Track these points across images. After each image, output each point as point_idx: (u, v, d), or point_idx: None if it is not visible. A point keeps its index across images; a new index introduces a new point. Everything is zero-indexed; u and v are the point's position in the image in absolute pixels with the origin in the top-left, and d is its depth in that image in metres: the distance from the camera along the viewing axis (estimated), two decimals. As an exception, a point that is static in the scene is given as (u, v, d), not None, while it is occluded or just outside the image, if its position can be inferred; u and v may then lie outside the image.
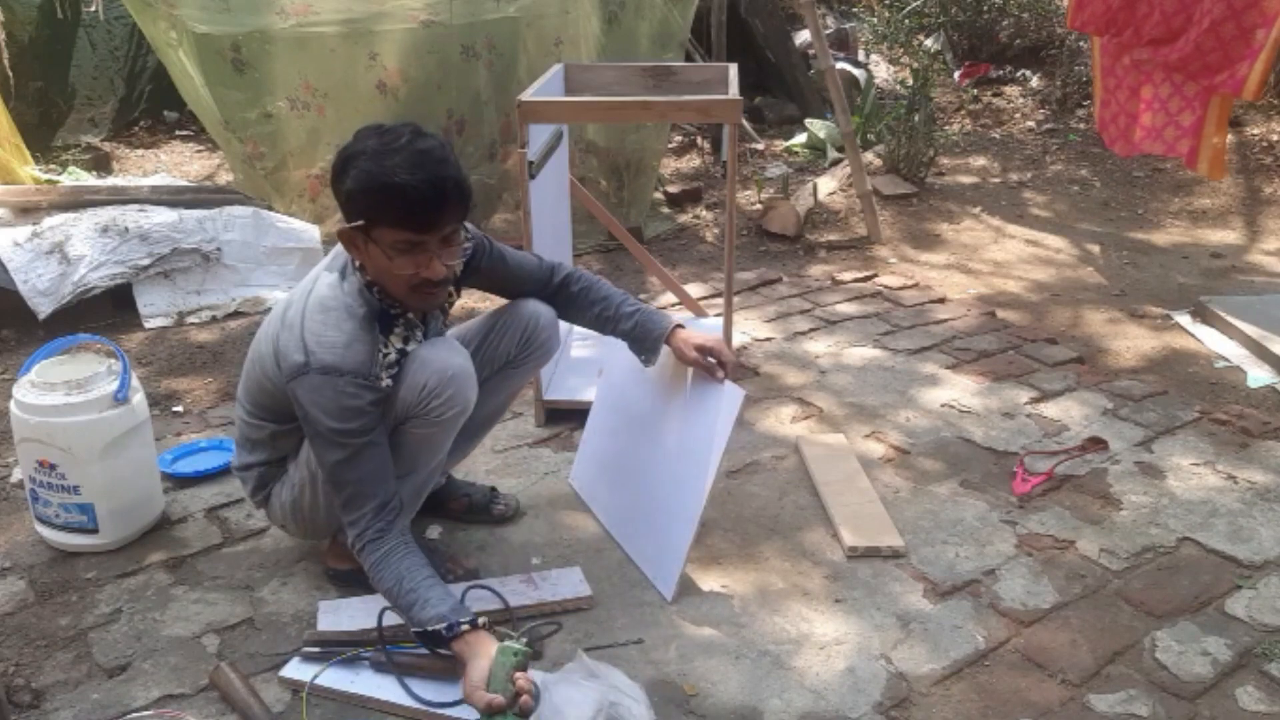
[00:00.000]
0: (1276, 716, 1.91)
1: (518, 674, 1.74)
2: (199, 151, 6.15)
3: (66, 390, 2.30)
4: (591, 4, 4.53)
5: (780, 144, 6.20)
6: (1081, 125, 6.44)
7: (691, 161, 5.90)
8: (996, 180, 5.74)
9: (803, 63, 6.85)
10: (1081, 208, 5.34)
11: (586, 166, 4.67)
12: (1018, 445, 2.89)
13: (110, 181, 4.74)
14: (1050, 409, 3.11)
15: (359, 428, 1.93)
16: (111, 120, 6.29)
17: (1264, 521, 2.51)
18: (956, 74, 7.29)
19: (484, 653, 1.79)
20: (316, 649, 2.01)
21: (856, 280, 4.26)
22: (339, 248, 2.08)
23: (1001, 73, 7.36)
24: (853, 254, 4.64)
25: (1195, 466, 2.77)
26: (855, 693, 1.97)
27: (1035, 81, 7.14)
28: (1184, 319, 3.83)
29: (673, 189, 5.27)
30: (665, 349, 2.31)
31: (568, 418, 3.00)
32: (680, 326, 2.31)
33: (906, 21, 7.54)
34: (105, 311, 3.77)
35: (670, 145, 5.92)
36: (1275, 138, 5.75)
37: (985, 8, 7.37)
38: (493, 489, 2.57)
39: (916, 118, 5.37)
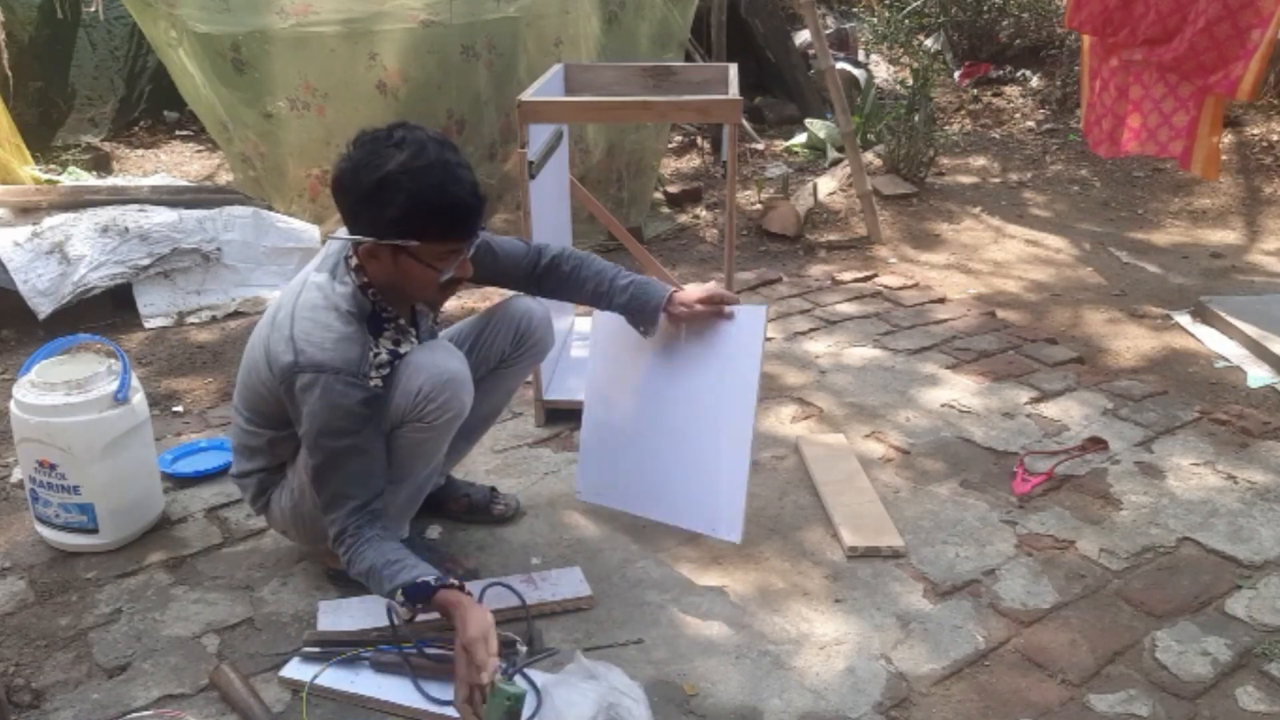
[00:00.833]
0: (1276, 716, 1.91)
1: None
2: (199, 151, 6.15)
3: (66, 390, 2.30)
4: (591, 4, 4.53)
5: (780, 144, 6.20)
6: (1081, 125, 6.44)
7: (691, 161, 5.90)
8: (996, 180, 5.74)
9: (803, 63, 6.85)
10: (1081, 208, 5.34)
11: (586, 165, 4.66)
12: (1018, 445, 2.89)
13: (110, 181, 4.74)
14: (1050, 409, 3.11)
15: (346, 427, 1.93)
16: (111, 120, 6.29)
17: (1264, 521, 2.51)
18: (956, 74, 7.29)
19: (476, 611, 1.80)
20: (317, 649, 2.01)
21: (856, 280, 4.26)
22: (327, 248, 2.09)
23: (1001, 73, 7.36)
24: (853, 254, 4.64)
25: (1195, 466, 2.77)
26: (855, 693, 1.97)
27: (1035, 81, 7.14)
28: (1184, 319, 3.83)
29: (673, 189, 5.27)
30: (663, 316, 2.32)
31: (568, 418, 3.00)
32: (677, 289, 2.33)
33: (906, 21, 7.54)
34: (105, 311, 3.77)
35: (670, 145, 5.92)
36: (1275, 138, 5.75)
37: (985, 8, 7.37)
38: (493, 489, 2.57)
39: (916, 118, 5.37)
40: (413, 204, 1.87)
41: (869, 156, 5.58)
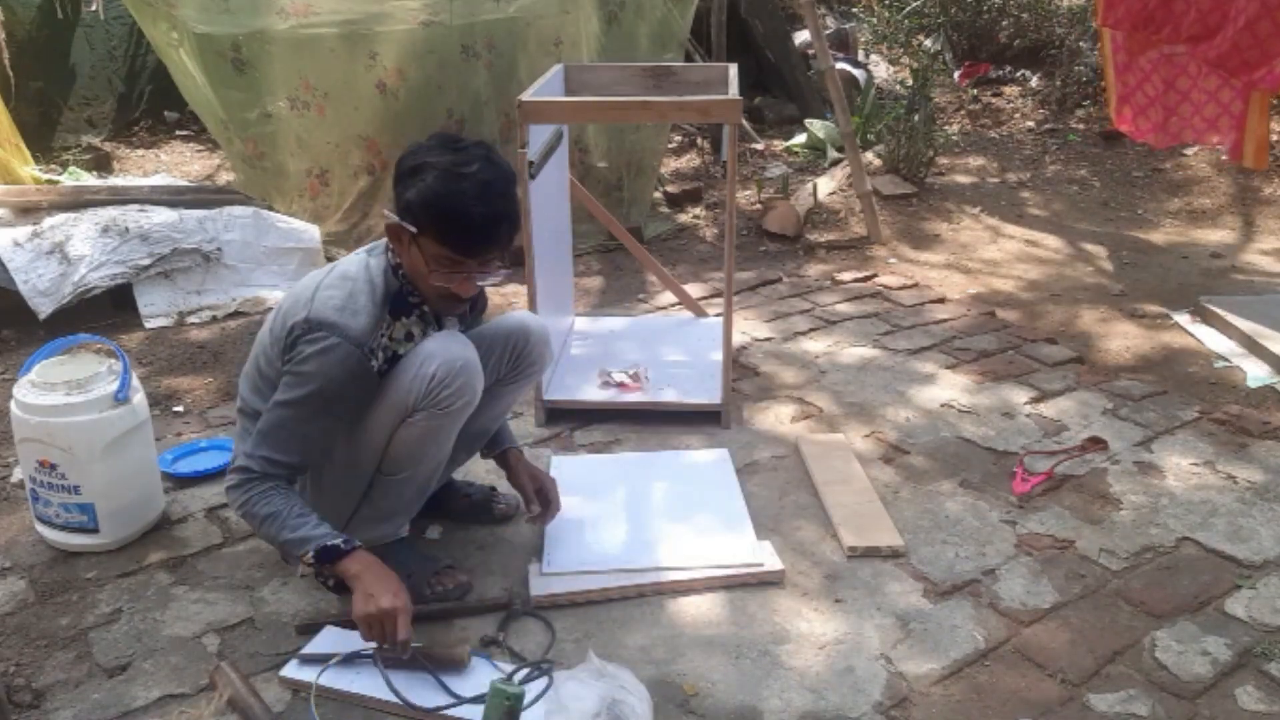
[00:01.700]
0: (1276, 716, 1.91)
1: None
2: (199, 151, 6.15)
3: (67, 390, 2.30)
4: (591, 4, 4.53)
5: (780, 144, 6.20)
6: (1080, 125, 6.45)
7: (691, 161, 5.90)
8: (995, 180, 5.74)
9: (803, 63, 6.85)
10: (1080, 208, 5.34)
11: (586, 165, 4.67)
12: (1017, 445, 2.89)
13: (110, 181, 4.75)
14: (1050, 409, 3.11)
15: (318, 392, 1.95)
16: (111, 120, 6.29)
17: (1264, 521, 2.52)
18: (956, 74, 7.29)
19: (379, 585, 1.90)
20: (317, 652, 2.01)
21: (856, 280, 4.26)
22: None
23: (1001, 73, 7.36)
24: (852, 254, 4.64)
25: (1195, 466, 2.78)
26: (855, 692, 1.97)
27: (1035, 82, 7.15)
28: (1183, 319, 3.83)
29: (673, 189, 5.27)
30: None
31: (568, 418, 3.01)
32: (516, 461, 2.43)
33: (906, 21, 7.55)
34: (105, 311, 3.77)
35: (670, 145, 5.92)
36: (1275, 138, 5.75)
37: (985, 8, 7.36)
38: (493, 489, 2.57)
39: (916, 118, 5.37)
40: (427, 195, 1.93)
41: (868, 156, 5.59)
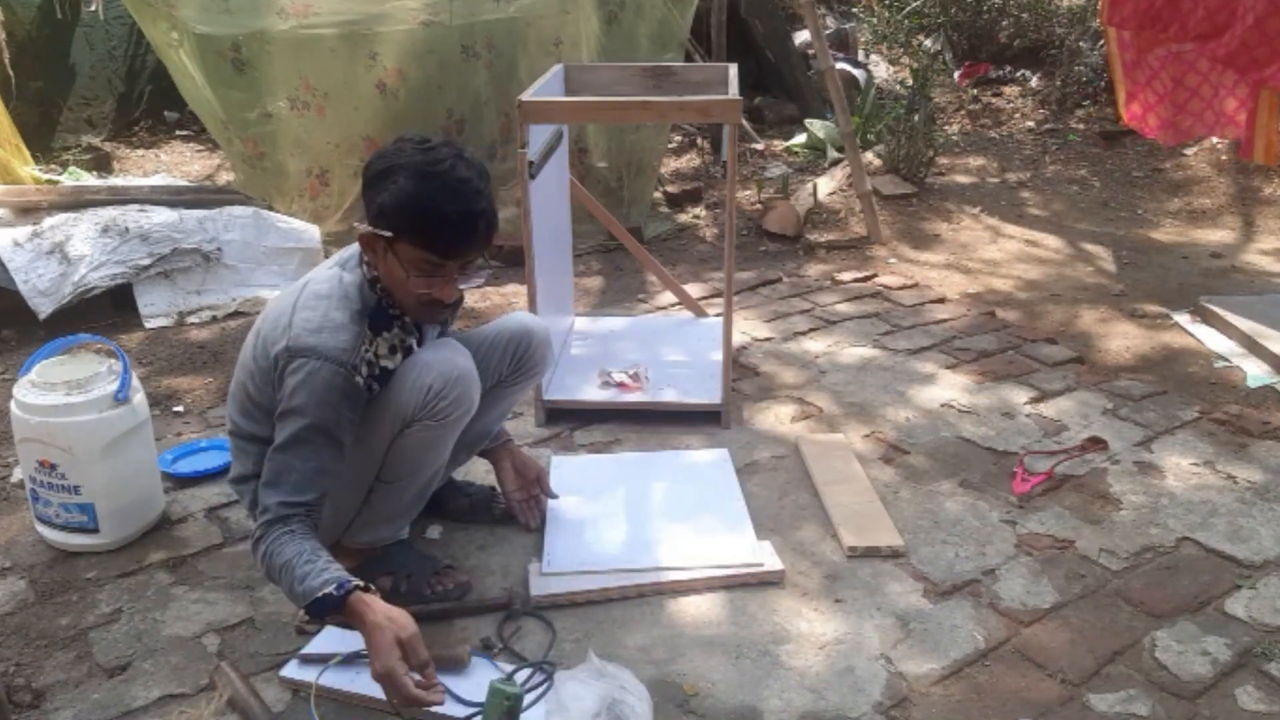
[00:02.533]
0: (1276, 716, 1.91)
1: None
2: (199, 151, 6.15)
3: (67, 390, 2.30)
4: (591, 4, 4.53)
5: (780, 144, 6.20)
6: (1080, 125, 6.44)
7: (691, 161, 5.90)
8: (996, 180, 5.74)
9: (803, 63, 6.85)
10: (1080, 208, 5.34)
11: (586, 165, 4.67)
12: (1017, 445, 2.89)
13: (110, 181, 4.74)
14: (1049, 409, 3.11)
15: (315, 421, 1.89)
16: (111, 120, 6.29)
17: (1264, 521, 2.52)
18: (956, 74, 7.29)
19: (382, 619, 1.74)
20: (317, 652, 2.01)
21: (856, 280, 4.26)
22: (344, 250, 2.09)
23: (1001, 73, 7.36)
24: (852, 254, 4.64)
25: (1195, 466, 2.78)
26: (855, 692, 1.97)
27: (1035, 82, 7.14)
28: (1183, 318, 3.83)
29: (673, 189, 5.27)
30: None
31: (568, 417, 3.01)
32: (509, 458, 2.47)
33: (906, 21, 7.55)
34: (105, 311, 3.77)
35: (670, 145, 5.92)
36: (1274, 137, 5.75)
37: (985, 8, 7.36)
38: (493, 489, 2.56)
39: (916, 118, 5.37)
40: (400, 197, 1.87)
41: (868, 156, 5.58)
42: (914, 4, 7.50)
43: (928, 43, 7.56)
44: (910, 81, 5.80)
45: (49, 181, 4.60)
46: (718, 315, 3.62)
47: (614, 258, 4.50)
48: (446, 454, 2.17)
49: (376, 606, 1.77)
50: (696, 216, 5.12)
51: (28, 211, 3.92)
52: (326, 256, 4.07)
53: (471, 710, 1.83)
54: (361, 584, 1.81)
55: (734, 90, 2.89)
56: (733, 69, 3.10)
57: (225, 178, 5.50)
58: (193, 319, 3.81)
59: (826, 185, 5.31)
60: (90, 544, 2.39)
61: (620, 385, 3.09)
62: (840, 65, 6.16)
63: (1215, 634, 2.12)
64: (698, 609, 2.21)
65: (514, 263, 2.22)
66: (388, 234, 1.90)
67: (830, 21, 7.83)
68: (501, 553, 2.41)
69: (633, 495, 2.61)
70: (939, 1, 7.45)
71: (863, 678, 2.01)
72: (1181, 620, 2.17)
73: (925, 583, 2.29)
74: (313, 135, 4.30)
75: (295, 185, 4.36)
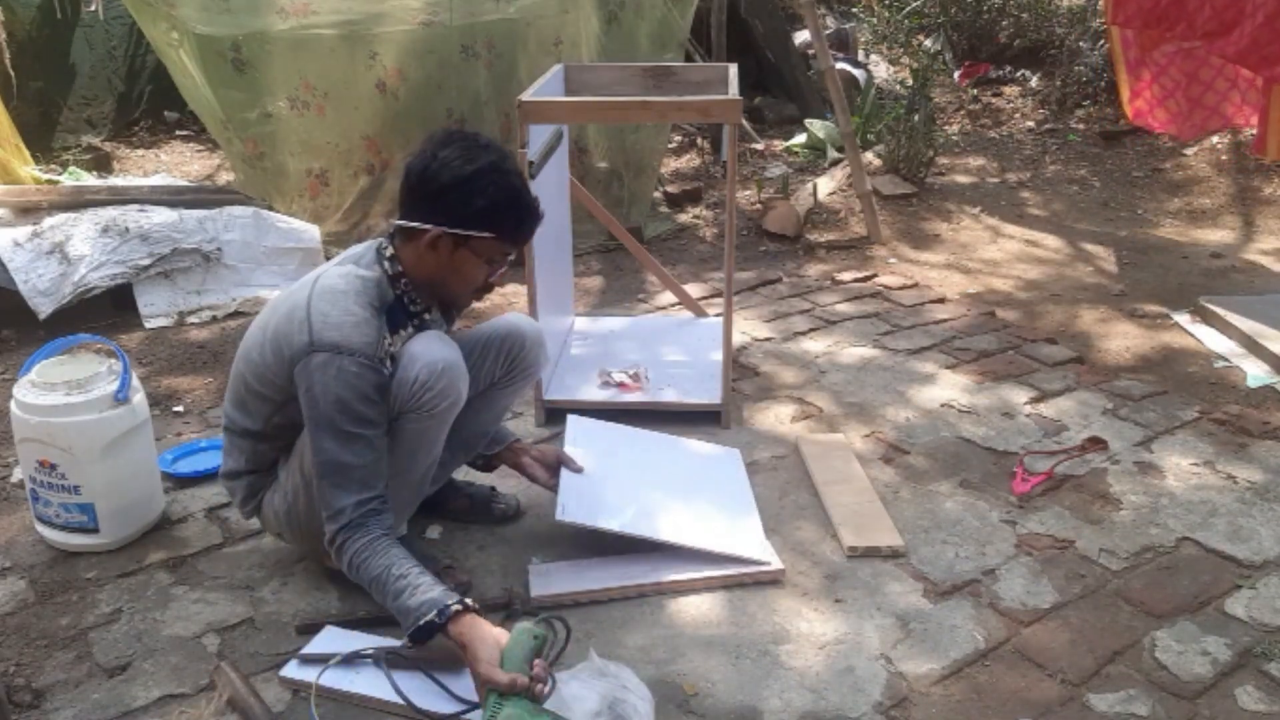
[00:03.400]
0: (1276, 716, 1.91)
1: (536, 660, 1.73)
2: (199, 151, 6.15)
3: (67, 390, 2.30)
4: (591, 4, 4.54)
5: (780, 144, 6.20)
6: (1080, 125, 6.45)
7: (691, 161, 5.90)
8: (995, 180, 5.74)
9: (803, 63, 6.86)
10: (1080, 207, 5.34)
11: (586, 166, 4.67)
12: (1017, 445, 2.89)
13: (110, 181, 4.74)
14: (1049, 409, 3.11)
15: (359, 415, 1.93)
16: (111, 120, 6.29)
17: (1264, 521, 2.52)
18: (956, 74, 7.29)
19: (485, 635, 1.75)
20: (317, 652, 2.01)
21: (856, 280, 4.26)
22: (345, 253, 2.11)
23: (1001, 73, 7.36)
24: (852, 254, 4.64)
25: (1195, 466, 2.78)
26: (855, 692, 1.97)
27: (1035, 82, 7.15)
28: (1183, 318, 3.83)
29: (673, 189, 5.27)
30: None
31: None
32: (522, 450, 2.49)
33: (906, 21, 7.55)
34: (105, 311, 3.77)
35: (670, 145, 5.92)
36: None
37: (985, 8, 7.37)
38: (493, 489, 2.57)
39: (916, 118, 5.37)
40: (500, 199, 2.00)
41: (868, 156, 5.59)
42: (914, 4, 7.50)
43: (928, 43, 7.56)
44: (910, 81, 5.80)
45: (49, 181, 4.60)
46: (718, 315, 3.62)
47: (614, 258, 4.50)
48: (438, 448, 2.16)
49: (481, 633, 1.76)
50: (696, 216, 5.12)
51: (28, 211, 3.92)
52: (327, 256, 4.09)
53: (470, 709, 1.83)
54: (460, 604, 1.81)
55: (734, 90, 2.89)
56: (733, 69, 3.10)
57: (225, 178, 5.49)
58: (193, 319, 3.81)
59: (826, 185, 5.31)
60: (90, 544, 2.39)
61: (620, 385, 3.09)
62: (840, 65, 6.16)
63: (1215, 634, 2.12)
64: (698, 609, 2.21)
65: (514, 262, 2.23)
66: (488, 235, 2.01)
67: (830, 21, 7.83)
68: (501, 553, 2.41)
69: (648, 463, 2.64)
70: (939, 1, 7.45)
71: (863, 678, 2.01)
72: (1181, 620, 2.17)
73: (925, 583, 2.29)
74: (313, 135, 4.30)
75: (295, 185, 4.36)
